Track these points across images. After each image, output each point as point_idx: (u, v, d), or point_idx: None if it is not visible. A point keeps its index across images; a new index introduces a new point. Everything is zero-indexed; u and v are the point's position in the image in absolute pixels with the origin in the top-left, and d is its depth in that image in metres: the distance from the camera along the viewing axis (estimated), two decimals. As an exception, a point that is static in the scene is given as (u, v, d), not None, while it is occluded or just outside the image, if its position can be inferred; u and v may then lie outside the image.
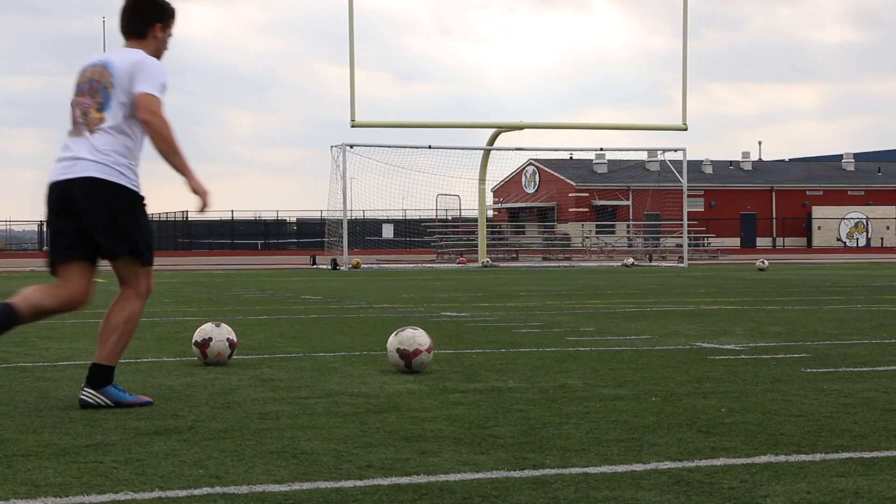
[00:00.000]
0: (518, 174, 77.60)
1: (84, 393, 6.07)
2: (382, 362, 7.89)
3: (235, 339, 8.07)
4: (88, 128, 6.14)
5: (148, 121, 6.07)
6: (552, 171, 76.08)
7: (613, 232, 60.16)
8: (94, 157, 6.08)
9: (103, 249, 6.10)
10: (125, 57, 6.22)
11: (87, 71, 6.27)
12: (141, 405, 6.07)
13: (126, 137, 6.15)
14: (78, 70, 6.38)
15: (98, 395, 6.06)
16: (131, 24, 6.38)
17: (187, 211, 73.60)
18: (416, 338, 7.43)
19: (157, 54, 6.37)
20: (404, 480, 4.24)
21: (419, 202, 65.37)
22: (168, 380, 7.16)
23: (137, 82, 6.13)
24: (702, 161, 78.94)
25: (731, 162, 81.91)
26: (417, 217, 64.87)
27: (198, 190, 6.12)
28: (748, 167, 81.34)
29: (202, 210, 6.16)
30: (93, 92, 6.20)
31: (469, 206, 43.67)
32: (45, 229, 74.44)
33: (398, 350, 7.40)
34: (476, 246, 40.00)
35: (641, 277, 26.54)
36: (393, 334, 7.48)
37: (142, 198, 6.17)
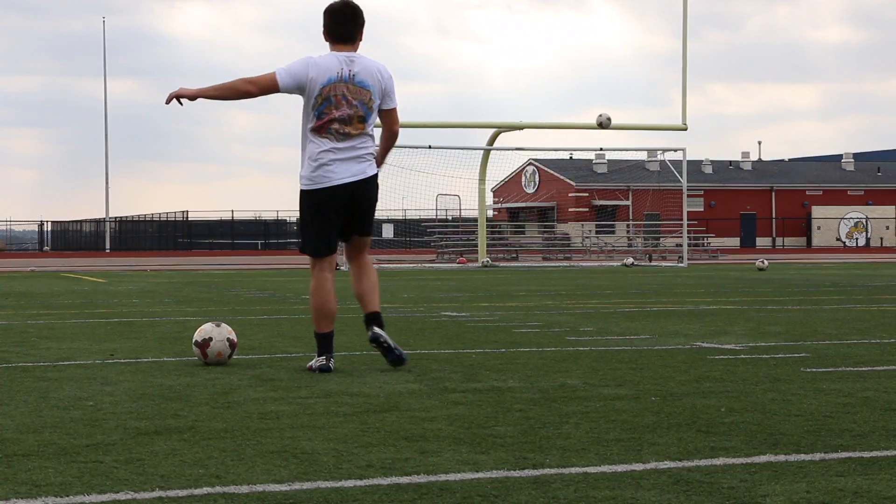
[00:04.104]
0: (518, 174, 77.63)
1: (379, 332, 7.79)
2: (382, 362, 7.91)
3: (235, 339, 8.07)
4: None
5: (396, 132, 7.91)
6: (552, 171, 76.12)
7: (613, 232, 60.14)
8: None
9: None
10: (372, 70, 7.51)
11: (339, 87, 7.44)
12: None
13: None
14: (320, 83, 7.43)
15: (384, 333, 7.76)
16: (350, 31, 7.47)
17: (187, 211, 73.66)
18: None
19: None
20: (404, 480, 4.24)
21: (419, 202, 65.22)
22: (168, 380, 7.16)
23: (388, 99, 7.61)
24: (701, 161, 78.96)
25: (730, 162, 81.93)
26: (417, 217, 64.84)
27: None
28: (748, 167, 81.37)
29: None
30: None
31: (469, 206, 43.66)
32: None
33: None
34: (476, 246, 39.98)
35: (641, 277, 26.54)
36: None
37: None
